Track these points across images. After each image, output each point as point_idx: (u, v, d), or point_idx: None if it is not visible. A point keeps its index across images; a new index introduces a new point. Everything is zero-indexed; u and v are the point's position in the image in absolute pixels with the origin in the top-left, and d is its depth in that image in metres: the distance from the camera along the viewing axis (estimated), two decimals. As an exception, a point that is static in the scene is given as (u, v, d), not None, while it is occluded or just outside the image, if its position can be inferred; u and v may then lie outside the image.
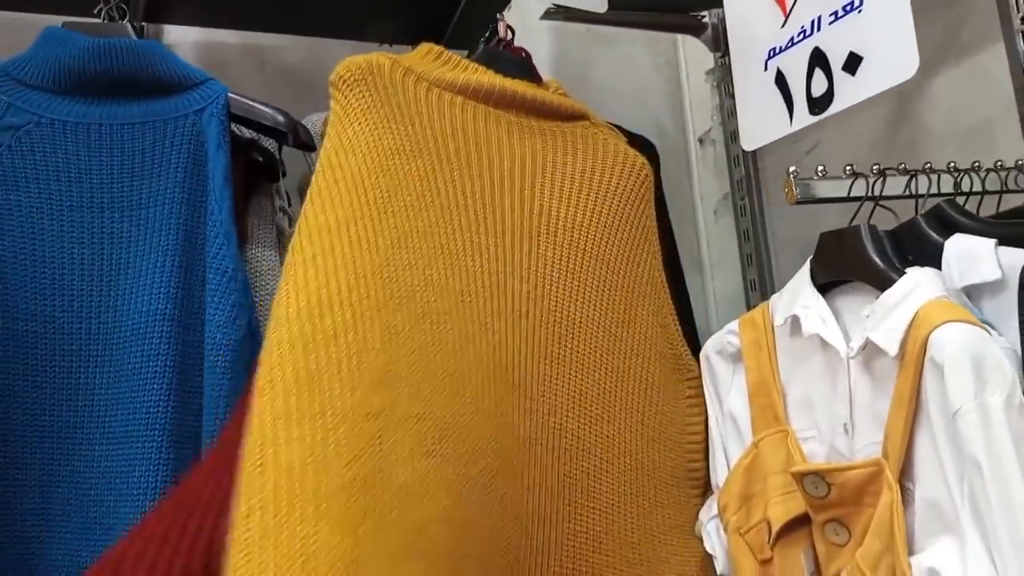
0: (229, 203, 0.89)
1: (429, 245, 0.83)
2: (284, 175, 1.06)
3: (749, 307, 1.39)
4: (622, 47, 1.58)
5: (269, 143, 1.03)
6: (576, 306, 0.93)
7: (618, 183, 0.99)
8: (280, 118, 0.97)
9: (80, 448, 0.84)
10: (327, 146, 0.83)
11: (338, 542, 0.63)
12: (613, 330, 0.94)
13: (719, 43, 1.43)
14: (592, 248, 0.95)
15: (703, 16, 1.43)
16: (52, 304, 0.86)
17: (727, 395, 0.94)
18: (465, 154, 0.90)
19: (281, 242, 1.01)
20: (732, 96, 1.42)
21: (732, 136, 1.43)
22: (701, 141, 1.57)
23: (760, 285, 1.36)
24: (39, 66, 0.90)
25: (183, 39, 1.27)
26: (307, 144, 1.02)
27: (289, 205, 1.06)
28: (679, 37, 1.59)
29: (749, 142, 0.93)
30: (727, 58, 1.42)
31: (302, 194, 1.15)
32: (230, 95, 0.94)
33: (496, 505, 0.81)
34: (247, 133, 1.00)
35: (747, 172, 1.40)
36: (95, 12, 0.96)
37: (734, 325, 0.95)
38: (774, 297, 0.93)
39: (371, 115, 0.84)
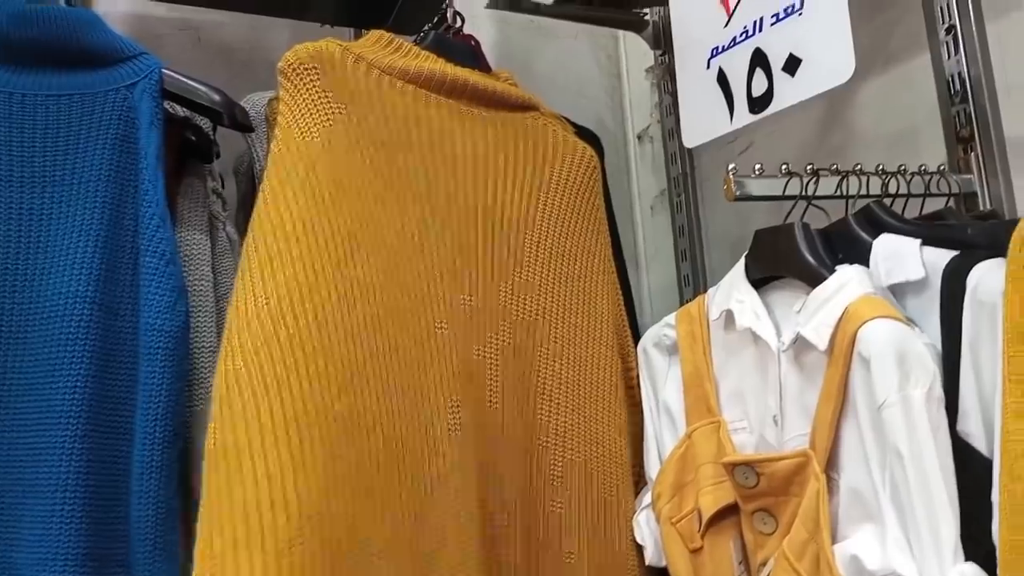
0: (163, 184, 0.86)
1: (384, 240, 0.82)
2: (218, 156, 1.03)
3: (683, 301, 1.41)
4: (564, 40, 1.59)
5: (203, 122, 0.99)
6: (534, 297, 0.93)
7: (569, 174, 1.00)
8: (216, 97, 0.94)
9: (-12, 431, 0.79)
10: (277, 140, 0.81)
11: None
12: (571, 319, 0.95)
13: (660, 41, 1.45)
14: (547, 239, 0.96)
15: (645, 13, 1.44)
16: (-37, 282, 0.81)
17: (663, 387, 0.96)
18: (418, 144, 0.89)
19: (213, 225, 0.98)
20: (671, 94, 1.45)
21: (670, 134, 1.45)
22: (640, 138, 1.59)
23: (693, 280, 1.39)
24: (-42, 30, 0.85)
25: (113, 9, 1.22)
26: (244, 125, 0.99)
27: (223, 187, 1.03)
28: (621, 33, 1.60)
29: (691, 139, 0.95)
30: (668, 56, 1.44)
31: (236, 175, 1.13)
32: (164, 71, 0.91)
33: (452, 499, 0.81)
34: (180, 111, 0.96)
35: (683, 170, 1.42)
36: (22, -23, 0.91)
37: (671, 318, 0.97)
38: (710, 291, 0.94)
39: (321, 106, 0.83)
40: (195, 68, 1.18)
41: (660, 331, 0.97)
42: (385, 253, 0.82)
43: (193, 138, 0.96)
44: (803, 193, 0.87)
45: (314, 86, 0.84)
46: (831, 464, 0.74)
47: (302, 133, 0.81)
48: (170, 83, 0.91)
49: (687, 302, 1.38)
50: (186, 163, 0.97)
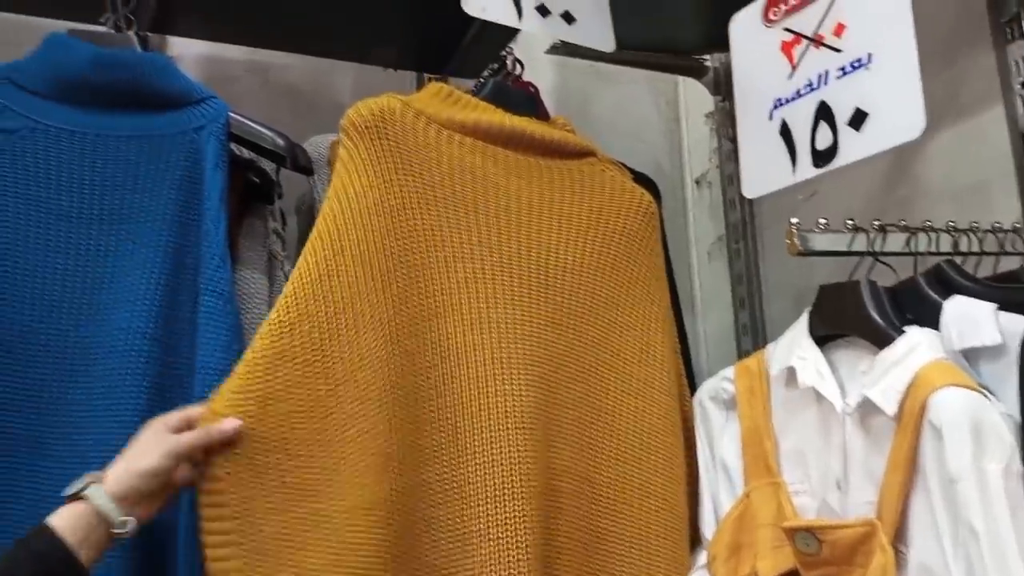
0: (225, 224, 0.87)
1: (431, 305, 0.84)
2: (280, 197, 1.05)
3: (739, 350, 1.38)
4: (624, 85, 1.59)
5: (267, 164, 1.01)
6: (585, 348, 0.92)
7: (626, 221, 0.99)
8: (280, 141, 0.96)
9: (48, 464, 0.80)
10: (331, 201, 0.84)
11: None
12: (627, 369, 0.94)
13: (720, 87, 1.44)
14: (602, 288, 0.95)
15: (705, 59, 1.44)
16: (31, 314, 0.83)
17: (719, 442, 0.93)
18: (472, 199, 0.90)
19: (272, 265, 1.00)
20: (731, 140, 1.43)
21: (729, 179, 1.44)
22: (698, 183, 1.58)
23: (752, 329, 1.36)
24: (39, 72, 0.88)
25: (187, 51, 1.26)
26: (306, 168, 1.01)
27: (284, 227, 1.04)
28: (680, 78, 1.60)
29: (751, 190, 0.93)
30: (728, 102, 1.42)
31: (298, 213, 1.15)
32: (231, 114, 0.93)
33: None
34: (245, 153, 0.98)
35: (743, 217, 1.40)
36: (101, 20, 0.94)
37: (729, 371, 0.94)
38: (770, 346, 0.92)
39: (378, 167, 0.86)
40: (262, 108, 1.21)
41: (718, 384, 0.95)
42: (431, 320, 0.84)
43: (256, 180, 0.98)
44: (870, 249, 0.85)
45: (372, 146, 0.86)
46: (899, 537, 0.70)
47: (357, 196, 0.84)
48: (236, 127, 0.93)
49: (745, 352, 1.36)
50: (249, 204, 0.99)
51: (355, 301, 0.80)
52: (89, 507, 0.67)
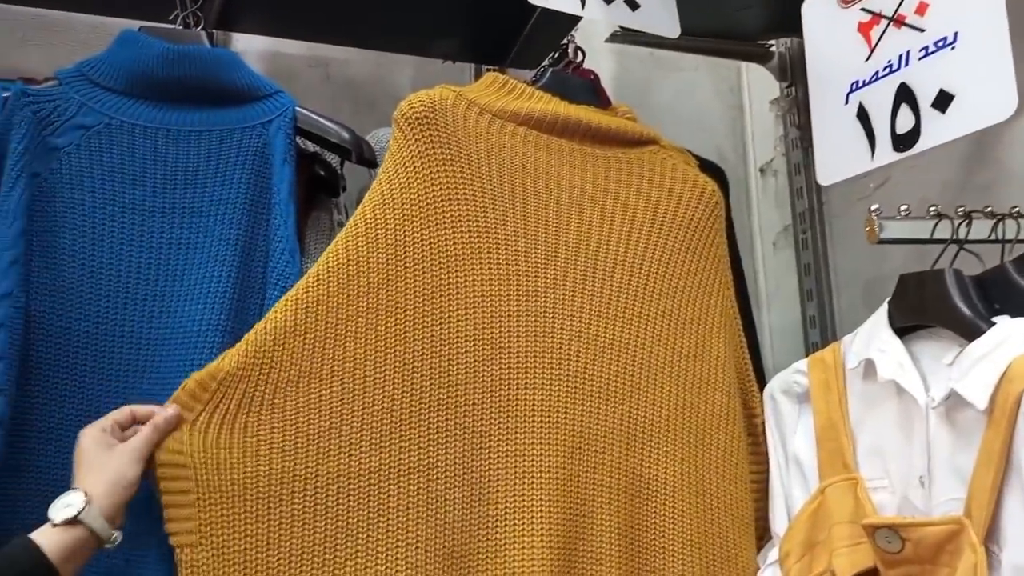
0: (294, 218, 0.88)
1: (466, 295, 0.84)
2: (344, 190, 1.05)
3: (807, 343, 1.35)
4: (685, 72, 1.56)
5: (332, 157, 1.02)
6: (636, 341, 0.90)
7: (686, 211, 0.96)
8: (345, 135, 0.96)
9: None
10: (373, 191, 0.85)
11: None
12: (682, 363, 0.91)
13: (786, 72, 1.40)
14: (657, 280, 0.93)
15: (771, 44, 1.40)
16: (105, 305, 0.85)
17: (791, 437, 0.91)
18: (522, 190, 0.89)
19: (338, 256, 1.00)
20: (798, 127, 1.39)
21: (796, 168, 1.40)
22: (763, 171, 1.54)
23: (820, 321, 1.32)
24: (113, 68, 0.90)
25: (250, 47, 1.27)
26: (370, 161, 1.01)
27: (348, 220, 1.05)
28: (743, 64, 1.56)
29: (826, 176, 0.90)
30: (795, 88, 1.39)
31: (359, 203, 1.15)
32: (297, 108, 0.94)
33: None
34: (310, 146, 0.99)
35: (810, 205, 1.36)
36: (171, 18, 0.96)
37: (802, 364, 0.91)
38: (847, 338, 0.89)
39: (426, 159, 0.86)
40: (323, 103, 1.22)
41: (790, 378, 0.92)
42: (467, 310, 0.83)
43: (322, 173, 0.99)
44: (954, 237, 0.81)
45: (422, 137, 0.86)
46: (991, 536, 0.67)
47: (401, 187, 0.84)
48: (303, 121, 0.94)
49: (812, 345, 1.33)
50: (314, 197, 0.99)
51: (381, 289, 0.81)
52: (82, 529, 0.68)
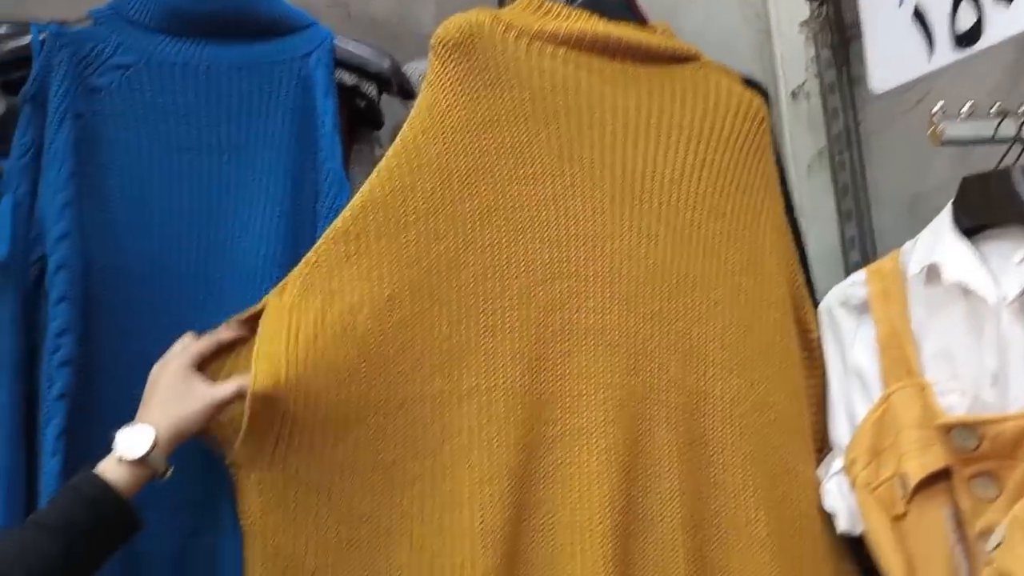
0: (340, 151, 0.87)
1: (515, 220, 0.83)
2: (383, 124, 1.03)
3: (847, 264, 1.33)
4: (711, -3, 1.52)
5: (370, 89, 1.00)
6: (688, 260, 0.89)
7: (732, 127, 0.95)
8: (386, 64, 0.95)
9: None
10: (413, 119, 0.83)
11: None
12: (735, 281, 0.91)
13: (817, -9, 1.36)
14: (706, 198, 0.92)
15: (799, -37, 1.36)
16: (159, 245, 0.84)
17: (851, 349, 0.90)
18: (565, 112, 0.87)
19: (382, 190, 0.99)
20: (830, 48, 1.36)
21: (830, 88, 1.37)
22: (794, 95, 1.51)
23: (860, 242, 1.31)
24: (147, 6, 0.88)
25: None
26: (410, 92, 0.99)
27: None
28: (769, -13, 1.52)
29: (881, 82, 0.88)
30: (827, 7, 1.36)
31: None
32: (335, 40, 0.92)
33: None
34: (349, 80, 0.97)
35: (846, 125, 1.34)
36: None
37: (859, 276, 0.91)
38: (906, 246, 0.88)
39: (466, 84, 0.84)
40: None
41: (847, 290, 0.92)
42: (514, 235, 0.82)
43: (362, 105, 0.97)
44: (1019, 135, 0.80)
45: (461, 62, 0.84)
46: (1071, 426, 0.67)
47: (442, 113, 0.82)
48: (341, 52, 0.92)
49: (852, 266, 1.31)
50: (355, 130, 0.98)
51: (429, 216, 0.80)
52: (146, 467, 0.69)
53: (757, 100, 0.98)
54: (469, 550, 0.75)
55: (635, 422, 0.83)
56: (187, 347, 0.75)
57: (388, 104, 1.03)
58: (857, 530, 0.85)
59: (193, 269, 0.85)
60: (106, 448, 0.74)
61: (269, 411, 0.72)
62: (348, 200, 0.86)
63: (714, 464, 0.85)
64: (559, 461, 0.81)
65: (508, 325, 0.81)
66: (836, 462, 0.89)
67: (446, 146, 0.82)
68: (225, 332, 0.76)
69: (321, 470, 0.74)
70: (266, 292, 0.81)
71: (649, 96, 0.92)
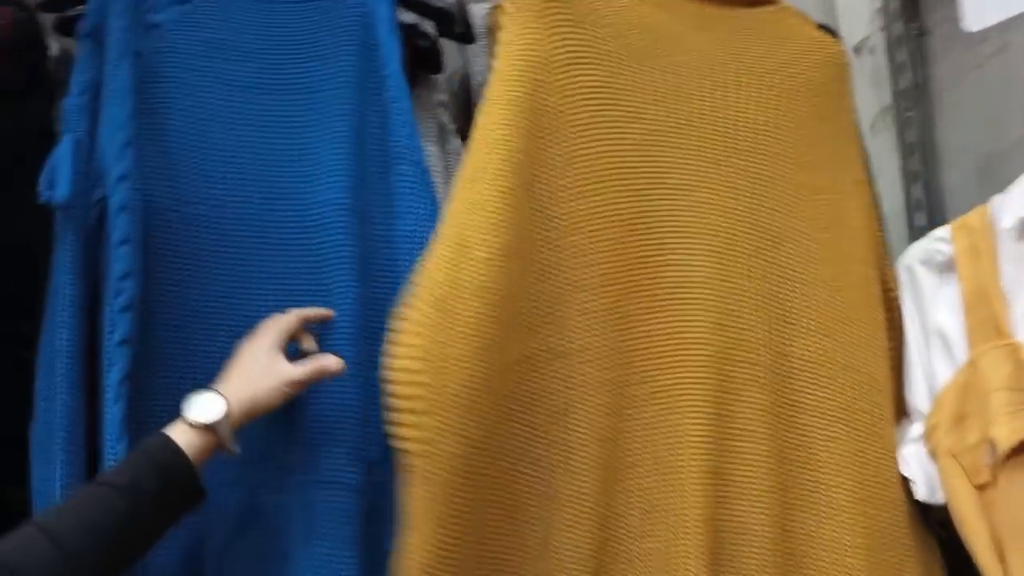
0: (408, 91, 0.83)
1: (599, 167, 0.79)
2: (443, 69, 1.00)
3: (911, 227, 1.29)
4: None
5: (430, 29, 0.96)
6: (775, 215, 0.86)
7: (814, 74, 0.91)
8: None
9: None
10: (499, 62, 0.79)
11: None
12: (819, 236, 0.87)
13: (885, -59, 1.30)
14: (790, 149, 0.88)
15: (867, -91, 1.30)
16: (221, 188, 0.81)
17: (932, 308, 0.87)
18: (645, 54, 0.83)
19: (443, 137, 0.96)
20: (899, -2, 1.30)
21: (897, 41, 1.31)
22: (857, 50, 1.45)
23: (928, 203, 1.26)
24: (205, -63, 0.85)
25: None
26: (467, 35, 0.96)
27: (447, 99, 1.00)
28: (831, -63, 1.46)
29: (977, 20, 0.83)
30: (897, -45, 1.29)
31: (450, 86, 1.09)
32: (395, -26, 0.88)
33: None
34: (408, 18, 0.93)
35: (915, 80, 1.29)
36: None
37: (944, 231, 0.87)
38: (995, 199, 0.84)
39: (544, 22, 0.79)
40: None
41: (930, 246, 0.88)
42: (596, 184, 0.78)
43: (423, 45, 0.93)
44: None
45: (540, 2, 0.79)
46: None
47: (522, 53, 0.78)
48: (401, -13, 0.88)
49: (917, 229, 1.27)
50: (416, 73, 0.94)
51: (521, 169, 0.75)
52: (213, 435, 0.68)
53: (837, 46, 0.94)
54: (569, 514, 0.73)
55: (723, 382, 0.80)
56: (277, 322, 0.74)
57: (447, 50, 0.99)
58: (936, 499, 0.82)
59: (257, 215, 0.82)
60: (162, 397, 0.73)
61: (412, 387, 0.68)
62: (418, 141, 0.83)
63: (799, 428, 0.82)
64: (649, 423, 0.77)
65: (594, 280, 0.77)
66: (914, 428, 0.86)
67: (532, 87, 0.77)
68: (314, 312, 0.74)
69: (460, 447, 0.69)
70: (332, 241, 0.79)
71: (729, 39, 0.88)
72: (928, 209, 1.26)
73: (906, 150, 1.30)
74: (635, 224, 0.80)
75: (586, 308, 0.77)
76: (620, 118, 0.81)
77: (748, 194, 0.85)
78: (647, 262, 0.80)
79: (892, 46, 1.33)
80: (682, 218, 0.81)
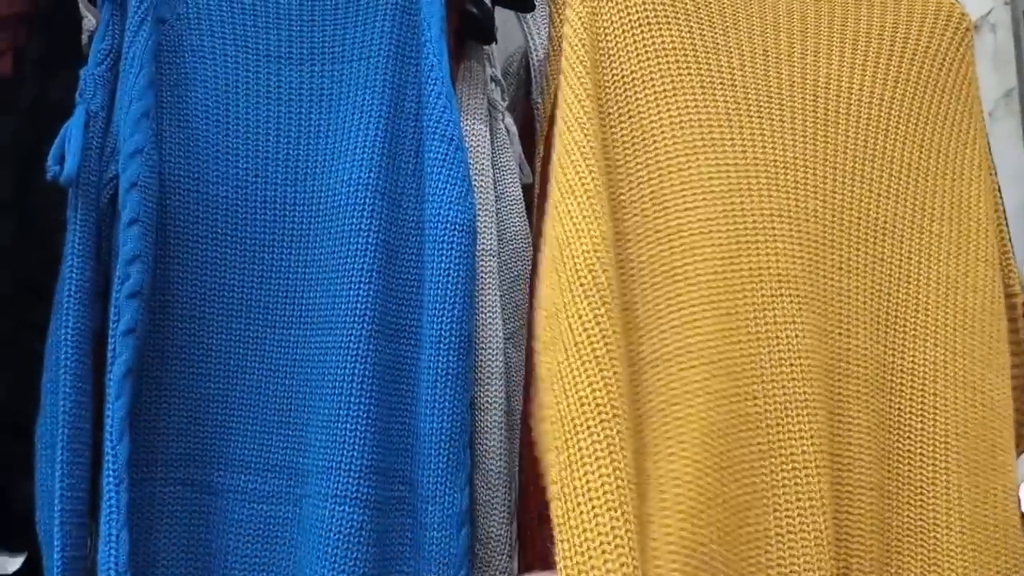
0: (448, 60, 0.75)
1: (685, 138, 0.68)
2: (496, 41, 0.91)
3: (1037, 227, 1.13)
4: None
5: (483, -3, 0.87)
6: (882, 201, 0.73)
7: (931, 39, 0.77)
8: (504, -40, 0.81)
9: (272, 331, 0.73)
10: (567, 30, 0.69)
11: None
12: (936, 228, 0.74)
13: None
14: (901, 124, 0.75)
15: None
16: (244, 167, 0.74)
17: (1066, 319, 0.72)
18: (732, 13, 0.72)
19: (492, 116, 0.86)
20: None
21: (1025, 15, 1.16)
22: (977, 27, 1.29)
23: (1057, 199, 1.10)
24: None
25: None
26: (526, 1, 0.86)
27: (501, 75, 0.91)
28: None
29: None
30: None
31: (506, 77, 1.00)
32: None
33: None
34: (457, -18, 0.85)
35: (1046, 59, 1.13)
36: None
37: (1084, 227, 0.72)
38: None
39: None
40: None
41: (1066, 244, 0.73)
42: (682, 161, 0.67)
43: (475, 11, 0.84)
44: None
45: None
46: None
47: (591, 14, 0.69)
48: (451, -56, 0.80)
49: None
50: (465, 44, 0.85)
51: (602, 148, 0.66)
52: None
53: (959, 8, 0.80)
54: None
55: (830, 399, 0.68)
56: None
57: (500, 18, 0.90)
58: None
59: (280, 196, 0.75)
60: (174, 392, 0.66)
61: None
62: (457, 115, 0.74)
63: (905, 456, 0.70)
64: (764, 450, 0.65)
65: (692, 270, 0.66)
66: (1040, 459, 0.72)
67: (598, 55, 0.68)
68: None
69: None
70: (358, 222, 0.71)
71: (828, 2, 0.76)
72: (1058, 206, 1.10)
73: (1033, 139, 1.14)
74: (733, 204, 0.68)
75: (687, 301, 0.65)
76: (706, 83, 0.70)
77: (854, 175, 0.73)
78: (749, 249, 0.67)
79: (1018, 21, 1.17)
80: (782, 199, 0.70)
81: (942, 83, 0.77)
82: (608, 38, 0.69)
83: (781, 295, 0.68)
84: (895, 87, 0.76)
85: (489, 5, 0.85)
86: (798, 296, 0.68)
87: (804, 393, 0.66)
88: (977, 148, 0.78)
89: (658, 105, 0.69)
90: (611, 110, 0.68)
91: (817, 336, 0.68)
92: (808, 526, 0.64)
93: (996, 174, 0.89)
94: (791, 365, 0.66)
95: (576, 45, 0.69)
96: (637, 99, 0.69)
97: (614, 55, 0.69)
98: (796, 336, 0.67)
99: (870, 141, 0.74)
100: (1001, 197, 0.93)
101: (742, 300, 0.67)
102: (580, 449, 0.55)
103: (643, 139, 0.68)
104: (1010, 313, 0.77)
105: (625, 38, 0.69)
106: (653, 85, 0.69)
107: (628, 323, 0.64)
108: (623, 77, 0.69)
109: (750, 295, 0.67)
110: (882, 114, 0.75)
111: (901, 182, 0.75)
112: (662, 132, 0.68)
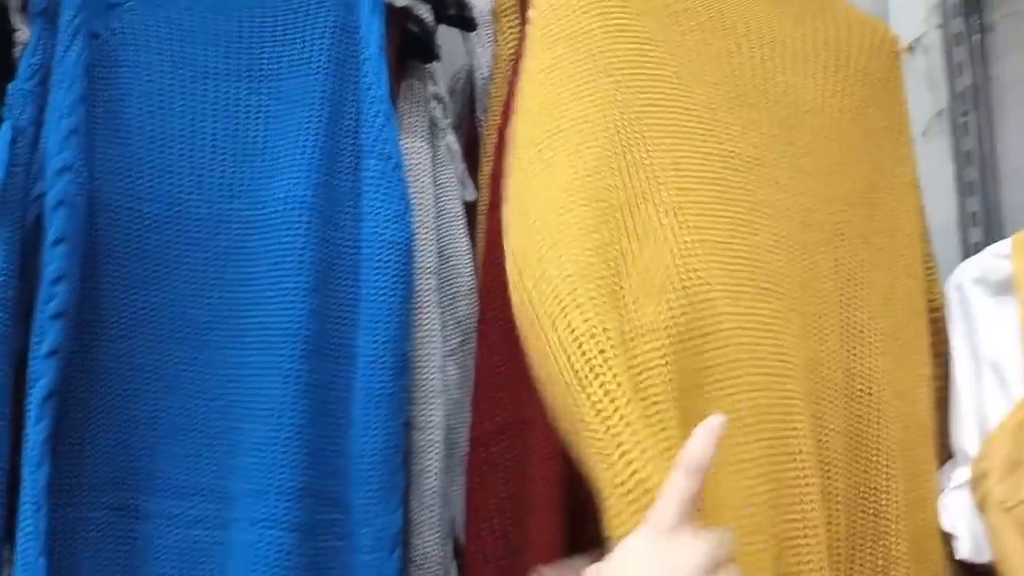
0: (387, 78, 0.75)
1: (673, 124, 0.65)
2: (438, 58, 0.91)
3: (966, 243, 1.16)
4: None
5: (424, 13, 0.87)
6: (839, 206, 0.74)
7: (869, 60, 0.80)
8: (446, -19, 0.82)
9: (204, 351, 0.72)
10: (533, 36, 0.66)
11: None
12: (875, 241, 0.75)
13: (943, -70, 1.18)
14: (847, 136, 0.76)
15: None
16: (179, 184, 0.74)
17: (985, 335, 0.75)
18: (695, 14, 0.71)
19: (434, 133, 0.87)
20: (960, -8, 1.18)
21: (955, 39, 1.19)
22: (911, 49, 1.33)
23: (984, 217, 1.13)
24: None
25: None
26: (469, 20, 0.87)
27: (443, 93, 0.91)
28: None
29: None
30: (956, -53, 1.17)
31: (451, 94, 1.00)
32: (384, -50, 0.80)
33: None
34: (400, 1, 0.85)
35: (975, 82, 1.16)
36: None
37: (1002, 247, 0.75)
38: (1067, 211, 0.72)
39: None
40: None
41: (985, 263, 0.76)
42: (669, 144, 0.65)
43: (415, 30, 0.85)
44: None
45: None
46: None
47: (567, 16, 0.65)
48: (390, -37, 0.80)
49: (973, 246, 1.14)
50: (406, 62, 0.86)
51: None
52: None
53: (890, 33, 0.83)
54: None
55: (813, 403, 0.66)
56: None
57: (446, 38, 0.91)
58: (983, 558, 0.70)
59: (215, 213, 0.74)
60: (102, 415, 0.65)
61: None
62: (396, 133, 0.74)
63: (864, 462, 0.70)
64: (754, 453, 0.61)
65: (680, 263, 0.62)
66: (959, 472, 0.74)
67: (578, 56, 0.64)
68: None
69: None
70: (292, 241, 0.71)
71: (780, 15, 0.76)
72: (985, 224, 1.14)
73: (962, 159, 1.18)
74: (715, 192, 0.65)
75: (668, 296, 0.61)
76: (682, 74, 0.67)
77: (813, 179, 0.73)
78: (734, 241, 0.65)
79: (951, 44, 1.21)
80: (760, 193, 0.68)
81: (878, 100, 0.80)
82: (586, 41, 0.65)
83: (768, 289, 0.66)
84: (842, 100, 0.77)
85: (431, 24, 0.86)
86: (779, 294, 0.67)
87: (793, 392, 0.64)
88: (908, 166, 0.81)
89: (642, 92, 0.65)
90: (597, 107, 0.63)
91: (800, 337, 0.67)
92: (810, 530, 0.62)
93: (922, 193, 0.92)
94: (776, 365, 0.64)
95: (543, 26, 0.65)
96: (617, 98, 0.64)
97: (594, 57, 0.64)
98: (780, 335, 0.65)
99: (825, 149, 0.75)
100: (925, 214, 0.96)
101: (733, 292, 0.64)
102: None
103: (635, 116, 0.64)
104: (934, 327, 0.80)
105: (604, 41, 0.65)
106: (643, 73, 0.66)
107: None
108: (600, 72, 0.64)
109: (745, 287, 0.65)
110: (834, 124, 0.76)
111: (851, 191, 0.75)
112: (651, 113, 0.65)
